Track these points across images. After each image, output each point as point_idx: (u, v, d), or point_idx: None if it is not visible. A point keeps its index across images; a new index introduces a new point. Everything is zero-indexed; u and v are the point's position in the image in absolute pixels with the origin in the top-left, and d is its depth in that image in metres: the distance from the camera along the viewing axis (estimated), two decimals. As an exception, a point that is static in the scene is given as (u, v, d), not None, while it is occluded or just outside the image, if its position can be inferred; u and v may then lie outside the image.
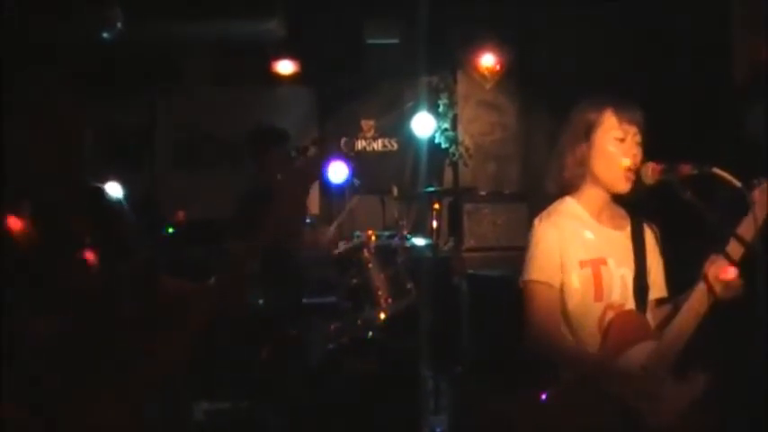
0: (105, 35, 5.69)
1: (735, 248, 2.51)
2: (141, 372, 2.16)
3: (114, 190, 4.82)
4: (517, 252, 2.82)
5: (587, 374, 2.56)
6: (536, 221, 2.77)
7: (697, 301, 2.55)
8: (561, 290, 2.68)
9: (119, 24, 5.41)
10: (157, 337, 2.20)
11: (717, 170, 2.46)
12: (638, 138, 2.69)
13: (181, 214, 5.12)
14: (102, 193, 2.37)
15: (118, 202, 2.40)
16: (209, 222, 4.76)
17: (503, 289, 5.35)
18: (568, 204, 2.77)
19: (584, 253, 2.69)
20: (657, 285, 2.77)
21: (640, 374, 2.52)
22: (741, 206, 2.48)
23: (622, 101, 2.72)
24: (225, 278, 2.26)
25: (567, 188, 2.78)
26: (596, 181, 2.73)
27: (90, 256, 2.18)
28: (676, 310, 2.60)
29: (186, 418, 4.29)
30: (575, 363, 2.64)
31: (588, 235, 2.72)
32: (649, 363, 2.55)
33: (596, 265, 2.68)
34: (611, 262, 2.70)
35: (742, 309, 2.52)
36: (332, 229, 4.88)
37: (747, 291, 2.53)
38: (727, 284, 2.52)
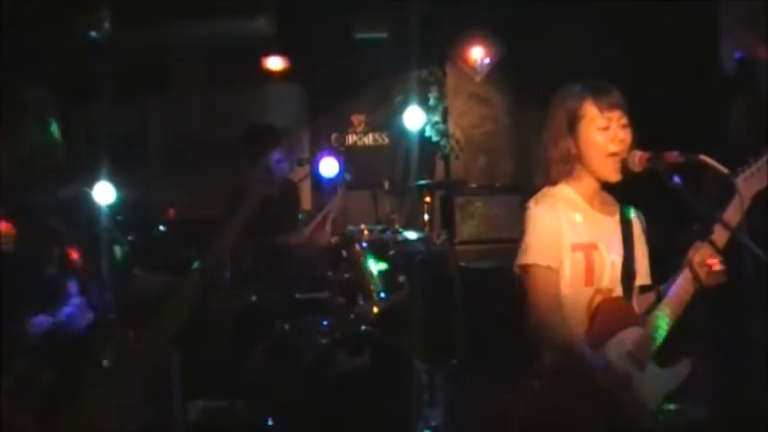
0: (93, 35, 5.68)
1: (719, 236, 2.53)
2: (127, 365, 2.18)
3: (105, 190, 4.83)
4: (509, 244, 2.81)
5: (570, 364, 2.57)
6: (531, 204, 2.73)
7: (681, 288, 2.58)
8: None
9: (106, 24, 5.41)
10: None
11: (703, 157, 2.47)
12: (624, 120, 2.66)
13: (171, 212, 5.13)
14: (83, 195, 2.40)
15: (97, 205, 2.44)
16: (199, 220, 4.78)
17: (495, 281, 5.38)
18: (562, 189, 2.75)
19: (577, 237, 2.67)
20: (642, 273, 2.77)
21: (625, 371, 2.54)
22: (728, 193, 2.50)
23: (599, 87, 2.69)
24: (208, 262, 2.34)
25: (556, 182, 2.78)
26: (587, 169, 2.71)
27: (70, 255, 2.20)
28: (660, 297, 2.61)
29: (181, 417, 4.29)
30: (563, 351, 2.65)
31: (581, 219, 2.70)
32: (635, 348, 2.57)
33: (588, 249, 2.67)
34: (602, 247, 2.69)
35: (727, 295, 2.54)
36: None
37: (731, 278, 2.54)
38: (711, 272, 2.54)
